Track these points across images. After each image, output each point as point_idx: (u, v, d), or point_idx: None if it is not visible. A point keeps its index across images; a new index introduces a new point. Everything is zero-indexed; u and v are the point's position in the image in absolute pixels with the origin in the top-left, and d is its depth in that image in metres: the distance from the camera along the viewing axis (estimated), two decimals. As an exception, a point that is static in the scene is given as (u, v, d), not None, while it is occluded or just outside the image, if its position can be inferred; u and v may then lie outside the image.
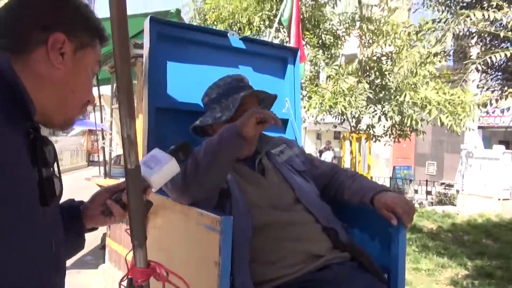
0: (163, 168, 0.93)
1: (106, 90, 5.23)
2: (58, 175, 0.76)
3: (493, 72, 3.93)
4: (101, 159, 5.18)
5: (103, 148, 4.82)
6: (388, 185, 12.24)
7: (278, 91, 1.99)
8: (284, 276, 1.27)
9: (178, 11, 3.25)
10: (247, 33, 6.84)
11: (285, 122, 2.00)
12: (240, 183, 1.38)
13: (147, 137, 1.57)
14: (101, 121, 5.14)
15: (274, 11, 6.87)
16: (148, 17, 1.57)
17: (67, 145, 19.51)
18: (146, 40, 1.57)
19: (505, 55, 2.57)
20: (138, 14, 3.36)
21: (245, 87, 1.50)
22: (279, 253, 1.30)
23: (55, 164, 0.76)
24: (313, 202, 1.44)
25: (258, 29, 6.95)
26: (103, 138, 4.90)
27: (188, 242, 1.18)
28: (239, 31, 6.95)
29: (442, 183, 11.96)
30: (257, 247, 1.29)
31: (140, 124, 1.65)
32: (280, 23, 4.90)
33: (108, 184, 3.92)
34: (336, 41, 7.81)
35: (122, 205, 0.87)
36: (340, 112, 6.71)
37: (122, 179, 2.96)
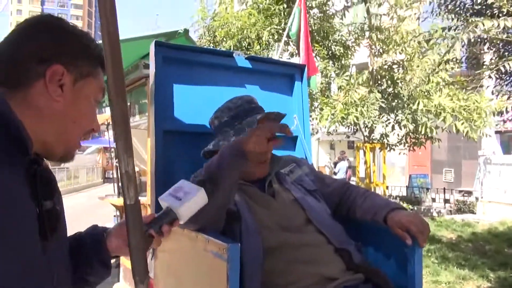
0: (192, 200, 0.91)
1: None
2: (59, 208, 0.75)
3: (507, 78, 3.86)
4: (114, 176, 5.22)
5: (116, 166, 4.86)
6: (404, 194, 12.04)
7: (286, 108, 1.99)
8: (297, 299, 1.25)
9: (186, 31, 3.29)
10: (256, 47, 6.89)
11: (294, 139, 1.98)
12: (250, 205, 1.36)
13: (155, 160, 1.56)
14: (114, 140, 5.20)
15: (282, 25, 6.91)
16: (153, 42, 1.58)
17: (83, 163, 19.83)
18: (151, 65, 1.59)
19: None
20: (148, 35, 3.41)
21: (256, 108, 1.49)
22: (292, 276, 1.28)
23: (57, 196, 0.75)
24: (325, 223, 1.41)
25: (267, 43, 6.99)
26: (116, 157, 4.93)
27: (197, 269, 1.16)
28: (248, 46, 7.01)
29: (461, 191, 11.68)
30: (268, 270, 1.26)
31: (148, 147, 1.65)
32: (288, 36, 4.91)
33: (122, 204, 3.95)
34: (346, 51, 7.80)
35: (149, 238, 0.84)
36: (352, 122, 6.66)
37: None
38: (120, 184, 4.46)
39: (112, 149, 5.72)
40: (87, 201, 12.54)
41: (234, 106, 1.48)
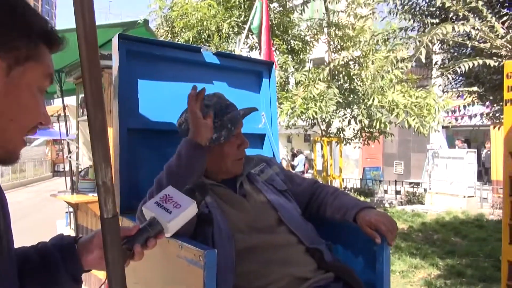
0: (183, 213, 0.83)
1: (71, 100, 5.02)
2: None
3: (457, 78, 4.07)
4: (67, 170, 4.96)
5: (70, 161, 4.62)
6: (358, 186, 12.48)
7: (254, 105, 1.96)
8: (271, 302, 1.24)
9: (146, 22, 3.14)
10: (216, 40, 6.79)
11: (262, 137, 1.96)
12: (222, 207, 1.33)
13: (119, 159, 1.49)
14: (67, 134, 4.93)
15: (242, 18, 6.86)
16: (117, 34, 1.49)
17: (30, 155, 18.71)
18: (115, 58, 1.50)
19: (473, 64, 2.67)
20: (105, 24, 3.23)
21: (231, 105, 1.45)
22: (264, 278, 1.27)
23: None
24: (296, 223, 1.41)
25: (227, 36, 6.91)
26: (69, 151, 4.68)
27: (168, 276, 1.11)
28: (208, 39, 6.89)
29: (410, 182, 12.29)
30: (241, 273, 1.24)
31: (111, 145, 1.57)
32: (250, 30, 4.88)
33: (77, 201, 3.75)
34: (304, 46, 7.90)
35: (130, 254, 0.75)
36: (311, 117, 6.77)
37: (91, 194, 2.79)
38: (72, 181, 4.24)
39: (63, 141, 5.41)
40: (36, 196, 11.88)
41: (211, 103, 1.42)
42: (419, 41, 2.70)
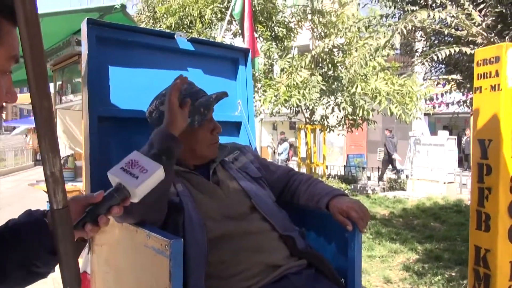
0: (150, 178, 0.81)
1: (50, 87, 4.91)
2: None
3: (437, 65, 4.11)
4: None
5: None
6: (342, 173, 12.61)
7: (230, 92, 1.94)
8: (243, 289, 1.24)
9: (123, 6, 3.07)
10: (199, 26, 6.70)
11: (238, 125, 1.95)
12: (193, 194, 1.32)
13: (89, 148, 1.46)
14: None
15: (225, 4, 6.76)
16: (85, 19, 1.45)
17: (11, 144, 18.33)
18: (84, 44, 1.45)
19: (449, 52, 2.69)
20: (80, 9, 3.14)
21: (200, 90, 1.43)
22: (238, 266, 1.26)
23: None
24: (270, 210, 1.41)
25: (210, 22, 6.81)
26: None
27: (137, 265, 1.11)
28: (190, 25, 6.79)
29: (393, 169, 12.46)
30: (213, 261, 1.24)
31: (83, 133, 1.54)
32: (232, 16, 4.82)
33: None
34: (288, 33, 7.86)
35: (95, 221, 0.75)
36: (294, 104, 6.78)
37: (70, 183, 2.74)
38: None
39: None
40: (17, 186, 11.67)
41: (182, 89, 1.39)
42: (396, 28, 2.71)
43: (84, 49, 1.46)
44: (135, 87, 1.61)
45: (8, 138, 19.83)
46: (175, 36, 1.73)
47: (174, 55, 1.74)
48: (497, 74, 1.25)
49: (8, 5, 0.59)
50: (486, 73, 1.28)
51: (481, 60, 1.30)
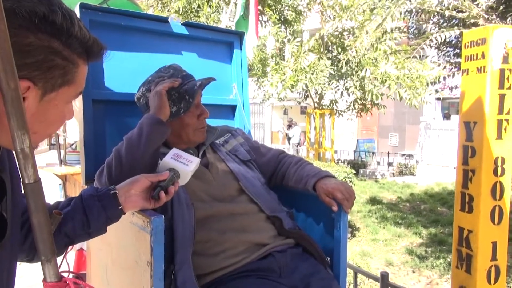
0: (194, 166, 1.08)
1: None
2: (6, 214, 0.68)
3: (445, 48, 4.04)
4: (61, 142, 4.98)
5: (57, 133, 4.63)
6: (352, 158, 12.57)
7: (225, 76, 1.96)
8: (227, 266, 1.29)
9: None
10: (206, 10, 6.67)
11: (233, 108, 1.98)
12: None
13: (83, 130, 1.51)
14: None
15: (233, -13, 6.69)
16: (78, 4, 1.47)
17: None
18: (77, 29, 1.48)
19: (455, 32, 2.65)
20: (82, -7, 3.16)
21: (188, 75, 1.45)
22: (224, 244, 1.31)
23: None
24: (257, 192, 1.44)
25: (218, 5, 6.78)
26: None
27: (125, 241, 1.16)
28: (198, 8, 6.76)
29: (403, 154, 12.38)
30: (200, 240, 1.28)
31: (78, 116, 1.58)
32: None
33: (63, 173, 3.78)
34: (298, 16, 7.75)
35: (165, 192, 1.01)
36: (301, 89, 6.74)
37: (78, 166, 2.83)
38: (60, 153, 4.28)
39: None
40: (31, 169, 11.95)
41: (168, 75, 1.43)
42: (388, 12, 2.68)
43: (77, 33, 1.49)
44: (129, 71, 1.64)
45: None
46: (168, 20, 1.75)
47: (169, 39, 1.77)
48: (483, 56, 1.24)
49: (86, 45, 0.67)
50: (473, 55, 1.28)
51: (468, 42, 1.29)
